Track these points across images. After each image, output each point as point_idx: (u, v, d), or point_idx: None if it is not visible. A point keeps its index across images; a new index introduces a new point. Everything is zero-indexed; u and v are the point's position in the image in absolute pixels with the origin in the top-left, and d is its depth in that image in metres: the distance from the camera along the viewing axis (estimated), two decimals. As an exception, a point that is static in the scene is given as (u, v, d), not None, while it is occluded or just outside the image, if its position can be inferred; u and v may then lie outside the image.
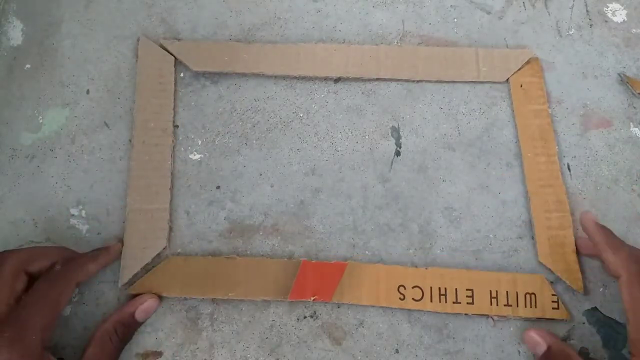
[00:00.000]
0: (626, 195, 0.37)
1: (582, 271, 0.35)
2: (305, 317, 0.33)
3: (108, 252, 0.32)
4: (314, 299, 0.33)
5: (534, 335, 0.32)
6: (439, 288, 0.33)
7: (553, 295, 0.34)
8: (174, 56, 0.37)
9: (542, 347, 0.31)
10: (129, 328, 0.31)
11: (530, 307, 0.33)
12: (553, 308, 0.33)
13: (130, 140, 0.36)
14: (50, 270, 0.29)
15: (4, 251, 0.30)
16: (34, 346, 0.26)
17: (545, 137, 0.37)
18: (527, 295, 0.33)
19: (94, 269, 0.31)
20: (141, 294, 0.32)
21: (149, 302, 0.32)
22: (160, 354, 0.32)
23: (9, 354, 0.25)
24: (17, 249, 0.30)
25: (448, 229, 0.36)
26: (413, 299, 0.33)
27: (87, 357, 0.29)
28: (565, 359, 0.31)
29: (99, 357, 0.29)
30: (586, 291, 0.35)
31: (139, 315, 0.31)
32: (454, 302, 0.33)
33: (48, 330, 0.27)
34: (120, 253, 0.33)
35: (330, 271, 0.34)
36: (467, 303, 0.33)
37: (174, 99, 0.37)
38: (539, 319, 0.34)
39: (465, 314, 0.33)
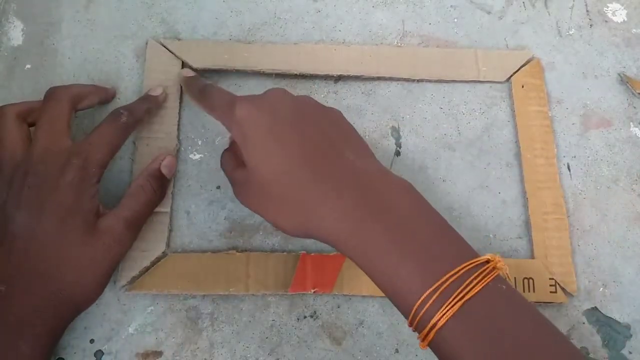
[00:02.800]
0: (626, 195, 0.37)
1: (582, 272, 0.35)
2: (305, 317, 0.33)
3: (156, 103, 0.35)
4: (314, 291, 0.33)
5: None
6: None
7: (550, 279, 0.34)
8: (180, 59, 0.37)
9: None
10: (159, 180, 0.33)
11: (529, 291, 0.33)
12: (551, 292, 0.34)
13: (134, 142, 0.36)
14: (117, 119, 0.32)
15: (56, 87, 0.33)
16: (92, 177, 0.30)
17: (545, 139, 0.37)
18: (525, 280, 0.34)
19: (147, 120, 0.35)
20: (138, 288, 0.33)
21: (168, 159, 0.34)
22: (160, 353, 0.32)
23: (73, 177, 0.29)
24: (66, 85, 0.33)
25: (448, 229, 0.36)
26: None
27: (122, 205, 0.31)
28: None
29: (132, 205, 0.31)
30: (586, 291, 0.35)
31: (164, 170, 0.33)
32: None
33: (104, 167, 0.31)
34: (166, 99, 0.36)
35: (330, 263, 0.34)
36: None
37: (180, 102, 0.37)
38: (537, 303, 0.34)
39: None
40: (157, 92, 0.36)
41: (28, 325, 0.27)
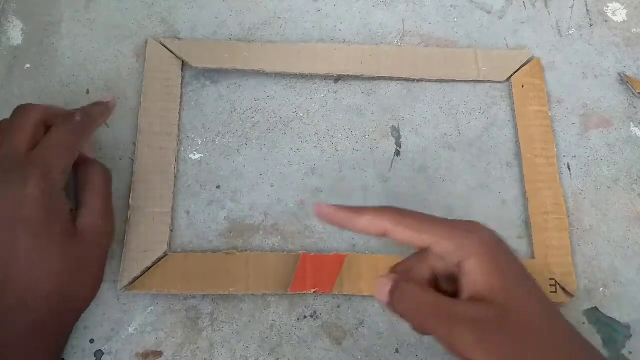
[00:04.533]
0: (626, 195, 0.37)
1: (582, 272, 0.35)
2: (305, 317, 0.33)
3: (108, 108, 0.33)
4: (314, 291, 0.33)
5: (380, 279, 0.26)
6: None
7: (551, 279, 0.34)
8: (180, 59, 0.37)
9: (387, 286, 0.26)
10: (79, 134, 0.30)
11: None
12: (551, 292, 0.34)
13: (134, 143, 0.36)
14: (70, 119, 0.30)
15: (31, 103, 0.30)
16: (57, 184, 0.28)
17: (545, 139, 0.37)
18: None
19: (101, 124, 0.33)
20: (138, 288, 0.33)
21: (83, 110, 0.31)
22: (160, 353, 0.32)
23: (35, 188, 0.26)
24: (42, 104, 0.31)
25: (448, 229, 0.36)
26: None
27: (89, 199, 0.30)
28: (410, 297, 0.25)
29: (96, 194, 0.30)
30: (586, 291, 0.35)
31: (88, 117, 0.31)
32: None
33: (66, 173, 0.29)
34: (114, 107, 0.34)
35: (330, 263, 0.34)
36: None
37: (180, 101, 0.37)
38: None
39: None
40: (107, 98, 0.34)
41: (30, 346, 0.27)
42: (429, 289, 0.25)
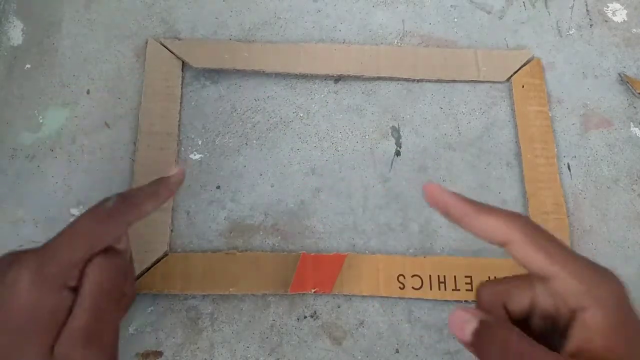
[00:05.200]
0: (626, 195, 0.37)
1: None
2: (305, 317, 0.33)
3: (167, 185, 0.27)
4: (314, 291, 0.33)
5: (461, 313, 0.22)
6: (438, 276, 0.34)
7: None
8: (180, 59, 0.37)
9: (472, 325, 0.21)
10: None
11: None
12: None
13: (134, 143, 0.36)
14: (99, 205, 0.24)
15: (85, 230, 0.25)
16: (55, 281, 0.23)
17: (545, 139, 0.37)
18: None
19: (151, 208, 0.26)
20: (138, 288, 0.32)
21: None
22: (160, 353, 0.32)
23: (30, 283, 0.22)
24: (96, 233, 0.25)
25: (448, 229, 0.36)
26: (413, 287, 0.33)
27: (74, 320, 0.23)
28: (501, 344, 0.20)
29: (83, 315, 0.23)
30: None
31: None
32: (453, 290, 0.34)
33: (74, 268, 0.23)
34: (182, 182, 0.28)
35: (330, 263, 0.34)
36: (466, 290, 0.34)
37: (180, 101, 0.37)
38: None
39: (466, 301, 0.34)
40: (172, 171, 0.28)
41: None
42: (524, 336, 0.20)
